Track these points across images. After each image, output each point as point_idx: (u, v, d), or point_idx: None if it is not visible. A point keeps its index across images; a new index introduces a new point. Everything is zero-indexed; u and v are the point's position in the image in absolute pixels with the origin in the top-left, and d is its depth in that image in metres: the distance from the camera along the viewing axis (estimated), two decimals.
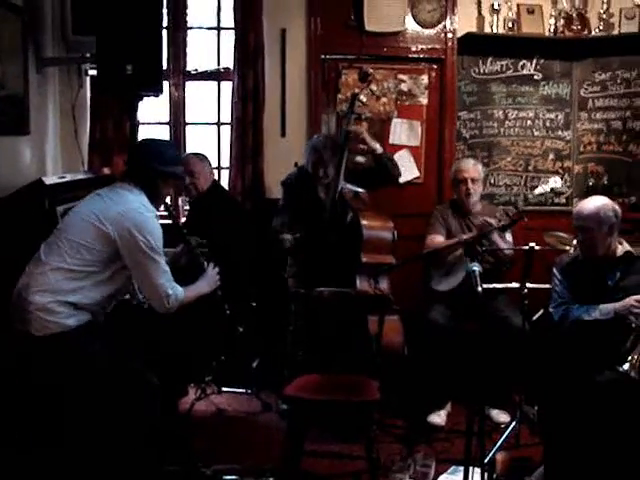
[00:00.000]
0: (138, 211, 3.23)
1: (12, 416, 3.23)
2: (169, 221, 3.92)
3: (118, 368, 3.15)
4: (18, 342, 3.16)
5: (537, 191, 4.60)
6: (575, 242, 4.00)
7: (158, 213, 3.43)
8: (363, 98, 4.79)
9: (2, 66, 4.02)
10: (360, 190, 4.41)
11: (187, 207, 5.15)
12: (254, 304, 4.66)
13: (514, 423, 3.95)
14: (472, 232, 4.46)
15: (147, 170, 3.35)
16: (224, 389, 4.69)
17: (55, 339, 3.09)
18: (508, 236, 4.51)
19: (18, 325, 3.14)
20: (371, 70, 4.53)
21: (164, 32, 4.67)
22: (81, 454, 3.16)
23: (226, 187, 5.22)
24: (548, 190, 4.55)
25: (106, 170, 4.95)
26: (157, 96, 4.37)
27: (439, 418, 4.35)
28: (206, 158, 4.82)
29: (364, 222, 4.24)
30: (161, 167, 3.36)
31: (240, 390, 4.73)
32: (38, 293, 3.10)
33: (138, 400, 3.13)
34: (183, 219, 4.96)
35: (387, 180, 4.54)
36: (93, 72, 4.96)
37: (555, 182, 4.50)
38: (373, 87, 4.74)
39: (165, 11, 4.75)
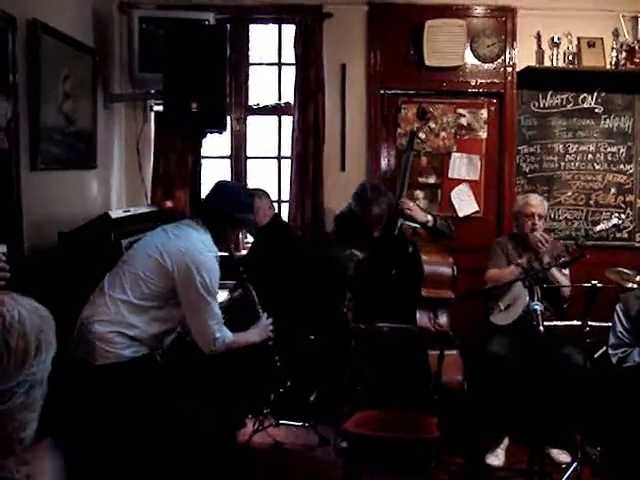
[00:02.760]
0: (199, 250, 3.26)
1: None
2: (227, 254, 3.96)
3: (165, 403, 3.17)
4: (79, 370, 3.18)
5: (599, 228, 4.57)
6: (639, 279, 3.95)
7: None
8: (422, 135, 4.77)
9: (74, 103, 4.15)
10: (418, 226, 4.41)
11: (249, 238, 5.21)
12: (312, 337, 4.68)
13: (575, 464, 3.83)
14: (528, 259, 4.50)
15: (220, 213, 3.39)
16: (282, 422, 4.68)
17: (111, 369, 3.14)
18: (565, 271, 4.48)
19: (80, 354, 3.19)
20: (430, 108, 4.56)
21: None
22: None
23: (286, 220, 5.26)
24: (610, 227, 4.50)
25: (169, 203, 5.06)
26: (221, 133, 4.45)
27: (497, 460, 4.28)
28: (265, 193, 4.83)
29: (424, 257, 4.23)
30: (234, 213, 3.39)
31: (298, 423, 4.72)
32: (99, 323, 3.16)
33: (185, 437, 3.14)
34: (244, 251, 5.01)
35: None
36: (158, 108, 5.09)
37: (618, 219, 4.46)
38: (432, 124, 4.74)
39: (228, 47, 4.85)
